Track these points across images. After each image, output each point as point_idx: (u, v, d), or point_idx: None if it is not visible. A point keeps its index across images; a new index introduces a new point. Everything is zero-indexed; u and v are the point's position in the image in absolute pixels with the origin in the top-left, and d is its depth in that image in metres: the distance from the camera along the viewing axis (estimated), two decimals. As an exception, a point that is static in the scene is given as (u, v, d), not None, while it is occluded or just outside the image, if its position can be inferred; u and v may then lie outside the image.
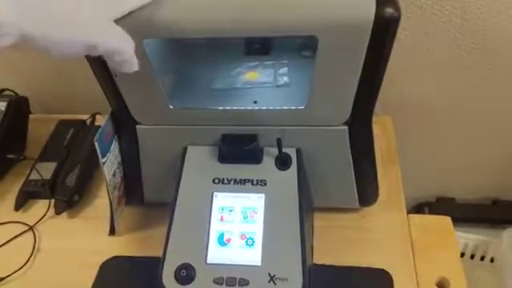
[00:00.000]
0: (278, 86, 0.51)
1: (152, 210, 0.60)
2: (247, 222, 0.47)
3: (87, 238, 0.59)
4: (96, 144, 0.48)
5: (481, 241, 0.91)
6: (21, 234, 0.60)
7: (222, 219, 0.47)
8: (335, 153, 0.50)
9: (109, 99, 0.49)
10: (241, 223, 0.47)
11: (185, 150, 0.51)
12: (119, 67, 0.38)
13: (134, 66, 0.38)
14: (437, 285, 0.52)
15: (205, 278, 0.44)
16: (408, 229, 0.57)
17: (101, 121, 0.63)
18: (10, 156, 0.68)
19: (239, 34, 0.41)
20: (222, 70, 0.54)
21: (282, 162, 0.49)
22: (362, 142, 0.50)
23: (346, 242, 0.56)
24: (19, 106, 0.71)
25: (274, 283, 0.43)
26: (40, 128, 0.72)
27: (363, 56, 0.40)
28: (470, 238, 0.91)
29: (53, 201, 0.62)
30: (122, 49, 0.37)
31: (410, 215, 0.59)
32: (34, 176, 0.64)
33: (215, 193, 0.48)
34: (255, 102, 0.49)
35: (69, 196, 0.61)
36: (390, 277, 0.52)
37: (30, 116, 0.74)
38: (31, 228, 0.60)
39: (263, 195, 0.48)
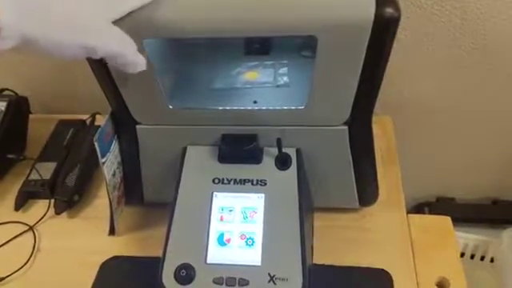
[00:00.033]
0: (277, 86, 0.51)
1: (152, 210, 0.60)
2: (247, 221, 0.47)
3: (87, 237, 0.59)
4: (96, 144, 0.48)
5: (481, 241, 0.91)
6: (21, 234, 0.60)
7: (221, 219, 0.47)
8: (335, 153, 0.50)
9: (109, 99, 0.49)
10: (241, 223, 0.47)
11: (184, 149, 0.51)
12: (123, 68, 0.38)
13: (137, 66, 0.38)
14: (437, 285, 0.52)
15: (205, 277, 0.44)
16: (408, 229, 0.57)
17: (101, 121, 0.63)
18: (10, 156, 0.68)
19: (239, 33, 0.41)
20: (221, 69, 0.54)
21: (282, 162, 0.49)
22: (362, 142, 0.50)
23: (345, 242, 0.56)
24: (19, 106, 0.71)
25: (274, 283, 0.43)
26: (40, 128, 0.72)
27: (363, 56, 0.40)
28: (469, 237, 0.91)
29: (53, 201, 0.62)
30: (122, 52, 0.37)
31: (410, 215, 0.59)
32: (34, 176, 0.64)
33: (215, 193, 0.48)
34: (255, 102, 0.49)
35: (69, 196, 0.61)
36: (390, 277, 0.52)
37: (30, 116, 0.74)
38: (31, 228, 0.60)
39: (263, 195, 0.48)
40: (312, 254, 0.52)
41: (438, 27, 0.67)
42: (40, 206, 0.63)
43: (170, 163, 0.52)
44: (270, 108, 0.47)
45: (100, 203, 0.63)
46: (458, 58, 0.71)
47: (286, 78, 0.52)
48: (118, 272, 0.55)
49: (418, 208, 0.98)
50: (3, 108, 0.68)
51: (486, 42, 0.68)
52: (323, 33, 0.38)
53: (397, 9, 0.36)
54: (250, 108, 0.48)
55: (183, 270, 0.44)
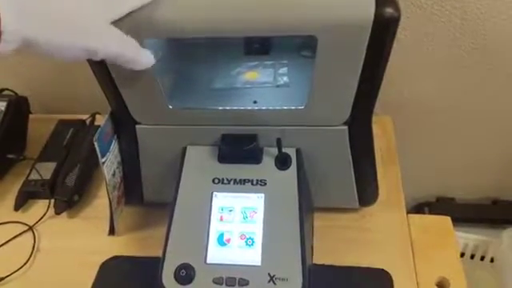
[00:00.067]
0: (277, 86, 0.51)
1: (152, 210, 0.60)
2: (247, 221, 0.47)
3: (87, 237, 0.59)
4: (95, 144, 0.48)
5: (481, 241, 0.91)
6: (20, 234, 0.60)
7: (221, 219, 0.47)
8: (335, 153, 0.50)
9: (108, 99, 0.49)
10: (240, 223, 0.47)
11: (184, 149, 0.51)
12: (126, 66, 0.38)
13: (141, 64, 0.39)
14: (437, 285, 0.52)
15: (204, 278, 0.44)
16: (408, 229, 0.57)
17: (100, 121, 0.63)
18: (10, 156, 0.68)
19: (239, 33, 0.41)
20: (221, 69, 0.54)
21: (282, 162, 0.49)
22: (362, 142, 0.50)
23: (345, 242, 0.56)
24: (19, 106, 0.71)
25: (274, 283, 0.43)
26: (40, 128, 0.72)
27: (363, 56, 0.40)
28: (469, 237, 0.91)
29: (52, 201, 0.62)
30: (122, 52, 0.37)
31: (410, 215, 0.59)
32: (34, 176, 0.64)
33: (215, 193, 0.48)
34: (255, 102, 0.49)
35: (68, 196, 0.61)
36: (390, 277, 0.52)
37: (30, 116, 0.74)
38: (31, 228, 0.60)
39: (263, 195, 0.48)
40: (312, 254, 0.52)
41: (438, 27, 0.67)
42: (40, 206, 0.63)
43: (170, 163, 0.52)
44: (270, 108, 0.47)
45: (100, 203, 0.63)
46: (458, 57, 0.71)
47: (285, 78, 0.52)
48: (118, 272, 0.55)
49: (418, 208, 0.98)
50: (3, 108, 0.68)
51: (486, 42, 0.68)
52: (323, 33, 0.38)
53: (397, 9, 0.36)
54: (249, 108, 0.48)
55: (183, 270, 0.44)
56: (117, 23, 0.36)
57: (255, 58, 0.54)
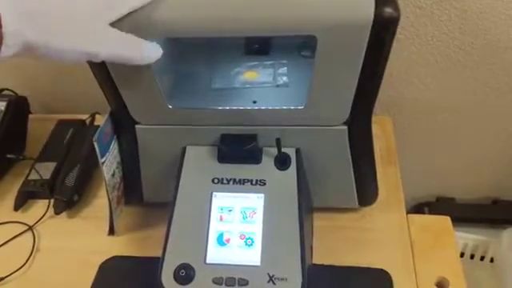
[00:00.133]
0: (277, 86, 0.51)
1: (151, 210, 0.60)
2: (246, 221, 0.47)
3: (86, 237, 0.59)
4: (95, 144, 0.48)
5: (480, 241, 0.91)
6: (20, 234, 0.60)
7: (221, 219, 0.47)
8: (334, 153, 0.50)
9: (108, 99, 0.49)
10: (240, 223, 0.47)
11: (184, 149, 0.51)
12: (128, 64, 0.38)
13: (141, 61, 0.38)
14: (436, 285, 0.52)
15: (204, 278, 0.44)
16: (407, 229, 0.57)
17: (100, 121, 0.63)
18: (10, 156, 0.68)
19: (238, 33, 0.41)
20: (221, 69, 0.54)
21: (282, 162, 0.49)
22: (362, 142, 0.50)
23: (345, 242, 0.56)
24: (19, 106, 0.71)
25: (274, 283, 0.43)
26: (39, 128, 0.72)
27: (363, 56, 0.40)
28: (469, 237, 0.91)
29: (52, 201, 0.62)
30: (123, 53, 0.37)
31: (410, 215, 0.59)
32: (34, 176, 0.64)
33: (214, 193, 0.48)
34: (254, 102, 0.49)
35: (68, 196, 0.61)
36: (390, 277, 0.52)
37: (30, 116, 0.74)
38: (30, 228, 0.60)
39: (262, 195, 0.48)
40: (311, 254, 0.52)
41: (438, 27, 0.67)
42: (39, 206, 0.63)
43: (170, 163, 0.52)
44: (270, 108, 0.47)
45: (99, 203, 0.63)
46: (458, 57, 0.71)
47: (285, 78, 0.52)
48: (118, 272, 0.55)
49: (417, 208, 0.98)
50: (3, 108, 0.68)
51: (486, 42, 0.68)
52: (323, 32, 0.38)
53: (396, 9, 0.36)
54: (249, 108, 0.48)
55: (183, 270, 0.44)
56: (117, 23, 0.36)
57: (255, 58, 0.54)
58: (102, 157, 0.50)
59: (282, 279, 0.43)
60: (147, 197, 0.58)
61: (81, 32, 0.34)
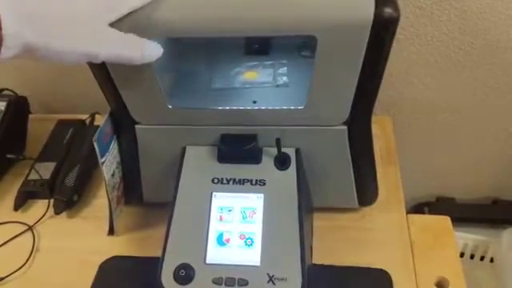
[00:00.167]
0: (277, 86, 0.51)
1: (151, 210, 0.60)
2: (246, 221, 0.47)
3: (86, 237, 0.59)
4: (95, 144, 0.48)
5: (480, 241, 0.91)
6: (20, 234, 0.60)
7: (221, 219, 0.47)
8: (334, 153, 0.50)
9: (108, 99, 0.49)
10: (240, 223, 0.47)
11: (184, 149, 0.51)
12: (129, 64, 0.38)
13: (141, 60, 0.38)
14: (436, 285, 0.52)
15: (204, 278, 0.44)
16: (407, 229, 0.57)
17: (100, 120, 0.63)
18: (10, 156, 0.68)
19: (238, 33, 0.41)
20: (221, 69, 0.54)
21: (281, 162, 0.49)
22: (362, 142, 0.50)
23: (345, 242, 0.56)
24: (19, 106, 0.70)
25: (273, 283, 0.43)
26: (39, 128, 0.72)
27: (362, 56, 0.40)
28: (469, 237, 0.91)
29: (52, 201, 0.62)
30: (123, 53, 0.37)
31: (410, 215, 0.59)
32: (34, 176, 0.64)
33: (214, 193, 0.48)
34: (254, 102, 0.49)
35: (68, 196, 0.61)
36: (389, 277, 0.52)
37: (30, 116, 0.74)
38: (30, 228, 0.60)
39: (262, 195, 0.48)
40: (311, 254, 0.52)
41: (438, 27, 0.67)
42: (39, 206, 0.63)
43: (170, 163, 0.52)
44: (270, 108, 0.47)
45: (99, 203, 0.63)
46: (457, 57, 0.71)
47: (285, 78, 0.52)
48: (118, 272, 0.55)
49: (417, 208, 0.98)
50: (3, 108, 0.68)
51: (486, 42, 0.68)
52: (323, 33, 0.38)
53: (396, 9, 0.36)
54: (249, 108, 0.48)
55: (182, 270, 0.44)
56: (117, 23, 0.36)
57: (255, 58, 0.54)
58: (102, 157, 0.50)
59: (282, 279, 0.43)
60: (147, 197, 0.58)
61: (81, 33, 0.34)
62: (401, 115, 0.80)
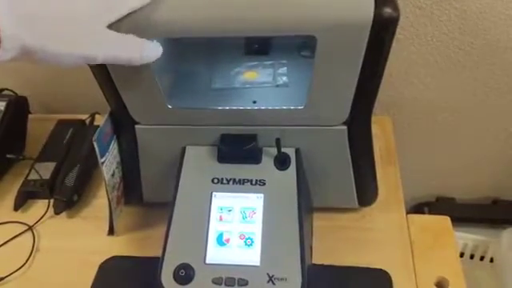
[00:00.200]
0: (277, 86, 0.51)
1: (151, 210, 0.60)
2: (246, 222, 0.47)
3: (86, 237, 0.59)
4: (95, 144, 0.48)
5: (480, 241, 0.91)
6: (20, 234, 0.60)
7: (220, 219, 0.47)
8: (334, 153, 0.50)
9: (107, 99, 0.49)
10: (240, 223, 0.47)
11: (184, 149, 0.51)
12: (128, 65, 0.38)
13: (141, 61, 0.38)
14: (436, 285, 0.52)
15: (204, 278, 0.44)
16: (407, 229, 0.57)
17: (100, 120, 0.63)
18: (9, 156, 0.68)
19: (238, 33, 0.41)
20: (221, 69, 0.54)
21: (281, 162, 0.49)
22: (361, 142, 0.50)
23: (345, 242, 0.56)
24: (18, 106, 0.70)
25: (273, 283, 0.43)
26: (39, 128, 0.72)
27: (362, 56, 0.40)
28: (469, 237, 0.91)
29: (52, 201, 0.62)
30: (122, 54, 0.37)
31: (409, 215, 0.59)
32: (33, 176, 0.64)
33: (214, 193, 0.48)
34: (254, 102, 0.49)
35: (68, 196, 0.61)
36: (389, 277, 0.52)
37: (30, 116, 0.74)
38: (30, 228, 0.60)
39: (262, 195, 0.48)
40: (311, 254, 0.52)
41: (438, 27, 0.67)
42: (39, 206, 0.63)
43: (169, 163, 0.52)
44: (270, 108, 0.47)
45: (99, 203, 0.63)
46: (457, 57, 0.71)
47: (285, 78, 0.52)
48: (117, 272, 0.55)
49: (417, 208, 0.98)
50: (2, 108, 0.68)
51: (486, 42, 0.68)
52: (322, 33, 0.38)
53: (396, 9, 0.36)
54: (249, 108, 0.48)
55: (182, 270, 0.44)
56: (116, 24, 0.36)
57: (255, 58, 0.54)
58: (102, 157, 0.50)
59: (282, 279, 0.43)
60: (147, 197, 0.58)
61: (79, 35, 0.34)
62: (401, 115, 0.80)
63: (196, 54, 0.55)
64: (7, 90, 0.73)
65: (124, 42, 0.37)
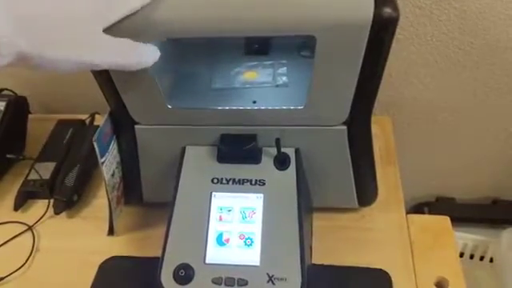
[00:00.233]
0: (276, 86, 0.51)
1: (151, 210, 0.60)
2: (246, 221, 0.47)
3: (86, 237, 0.59)
4: (95, 144, 0.48)
5: (480, 241, 0.91)
6: (20, 233, 0.60)
7: (220, 219, 0.47)
8: (334, 153, 0.50)
9: (107, 99, 0.49)
10: (239, 223, 0.47)
11: (183, 149, 0.51)
12: (126, 70, 0.38)
13: (139, 66, 0.38)
14: (436, 285, 0.52)
15: (203, 278, 0.44)
16: (407, 229, 0.57)
17: (100, 121, 0.63)
18: (9, 156, 0.68)
19: (238, 33, 0.41)
20: (220, 69, 0.54)
21: (281, 162, 0.49)
22: (361, 142, 0.50)
23: (345, 242, 0.56)
24: (18, 106, 0.71)
25: (273, 283, 0.43)
26: (39, 128, 0.72)
27: (362, 56, 0.40)
28: (469, 237, 0.91)
29: (52, 201, 0.62)
30: (119, 60, 0.37)
31: (409, 215, 0.59)
32: (33, 176, 0.64)
33: (214, 193, 0.48)
34: (254, 102, 0.49)
35: (68, 196, 0.61)
36: (389, 277, 0.52)
37: (29, 116, 0.74)
38: (30, 228, 0.60)
39: (262, 195, 0.48)
40: (311, 254, 0.52)
41: (437, 27, 0.67)
42: (39, 206, 0.63)
43: (169, 163, 0.52)
44: (269, 108, 0.47)
45: (99, 203, 0.63)
46: (457, 57, 0.71)
47: (285, 78, 0.52)
48: (117, 272, 0.55)
49: (417, 208, 0.98)
50: (2, 108, 0.68)
51: (486, 42, 0.68)
52: (322, 33, 0.38)
53: (395, 9, 0.36)
54: (249, 108, 0.48)
55: (182, 270, 0.44)
56: (116, 24, 0.36)
57: (254, 58, 0.54)
58: (102, 157, 0.50)
59: (282, 279, 0.43)
60: (147, 197, 0.58)
61: (76, 41, 0.33)
62: (400, 115, 0.80)
63: (196, 54, 0.55)
64: (7, 90, 0.73)
65: (121, 48, 0.37)
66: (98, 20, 0.35)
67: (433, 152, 0.89)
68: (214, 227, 0.47)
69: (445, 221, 0.58)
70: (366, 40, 0.38)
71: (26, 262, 0.56)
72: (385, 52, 0.40)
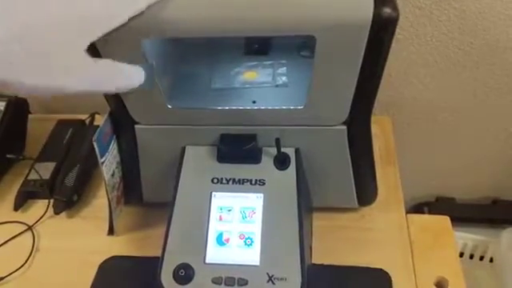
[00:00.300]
0: (276, 86, 0.51)
1: (151, 210, 0.60)
2: (246, 221, 0.47)
3: (86, 237, 0.59)
4: (95, 144, 0.48)
5: (480, 241, 0.91)
6: (20, 233, 0.60)
7: (220, 219, 0.47)
8: (334, 153, 0.50)
9: (107, 99, 0.49)
10: (239, 223, 0.47)
11: (183, 149, 0.51)
12: (108, 93, 0.38)
13: (120, 90, 0.38)
14: (435, 285, 0.52)
15: (203, 277, 0.44)
16: (407, 229, 0.57)
17: (100, 121, 0.63)
18: (9, 156, 0.68)
19: (238, 33, 0.41)
20: (220, 69, 0.54)
21: (281, 162, 0.49)
22: (361, 142, 0.50)
23: (345, 241, 0.56)
24: (18, 106, 0.70)
25: (273, 283, 0.43)
26: (39, 128, 0.72)
27: (362, 56, 0.40)
28: (469, 237, 0.91)
29: (52, 201, 0.62)
30: (101, 86, 0.37)
31: (409, 215, 0.59)
32: (33, 176, 0.64)
33: (214, 192, 0.48)
34: (254, 102, 0.49)
35: (68, 196, 0.61)
36: (389, 277, 0.52)
37: (29, 116, 0.74)
38: (30, 228, 0.60)
39: (262, 195, 0.48)
40: (311, 254, 0.52)
41: (437, 27, 0.67)
42: (39, 206, 0.63)
43: (169, 163, 0.52)
44: (269, 108, 0.47)
45: (99, 203, 0.63)
46: (457, 57, 0.71)
47: (284, 78, 0.52)
48: (117, 272, 0.55)
49: (417, 208, 0.98)
50: (2, 108, 0.68)
51: (486, 42, 0.69)
52: (322, 32, 0.38)
53: (395, 9, 0.36)
54: (248, 108, 0.48)
55: (182, 270, 0.44)
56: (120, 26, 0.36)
57: (254, 58, 0.54)
58: (102, 157, 0.50)
59: (282, 279, 0.43)
60: (147, 197, 0.58)
61: (55, 69, 0.33)
62: (400, 115, 0.80)
63: (196, 54, 0.55)
64: (7, 90, 0.72)
65: (105, 70, 0.37)
66: (72, 51, 0.33)
67: (433, 152, 0.89)
68: (214, 227, 0.47)
69: (445, 221, 0.58)
70: (365, 40, 0.38)
71: (26, 261, 0.56)
72: (384, 52, 0.40)
